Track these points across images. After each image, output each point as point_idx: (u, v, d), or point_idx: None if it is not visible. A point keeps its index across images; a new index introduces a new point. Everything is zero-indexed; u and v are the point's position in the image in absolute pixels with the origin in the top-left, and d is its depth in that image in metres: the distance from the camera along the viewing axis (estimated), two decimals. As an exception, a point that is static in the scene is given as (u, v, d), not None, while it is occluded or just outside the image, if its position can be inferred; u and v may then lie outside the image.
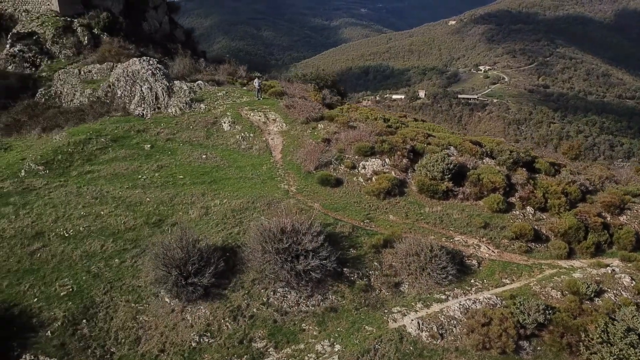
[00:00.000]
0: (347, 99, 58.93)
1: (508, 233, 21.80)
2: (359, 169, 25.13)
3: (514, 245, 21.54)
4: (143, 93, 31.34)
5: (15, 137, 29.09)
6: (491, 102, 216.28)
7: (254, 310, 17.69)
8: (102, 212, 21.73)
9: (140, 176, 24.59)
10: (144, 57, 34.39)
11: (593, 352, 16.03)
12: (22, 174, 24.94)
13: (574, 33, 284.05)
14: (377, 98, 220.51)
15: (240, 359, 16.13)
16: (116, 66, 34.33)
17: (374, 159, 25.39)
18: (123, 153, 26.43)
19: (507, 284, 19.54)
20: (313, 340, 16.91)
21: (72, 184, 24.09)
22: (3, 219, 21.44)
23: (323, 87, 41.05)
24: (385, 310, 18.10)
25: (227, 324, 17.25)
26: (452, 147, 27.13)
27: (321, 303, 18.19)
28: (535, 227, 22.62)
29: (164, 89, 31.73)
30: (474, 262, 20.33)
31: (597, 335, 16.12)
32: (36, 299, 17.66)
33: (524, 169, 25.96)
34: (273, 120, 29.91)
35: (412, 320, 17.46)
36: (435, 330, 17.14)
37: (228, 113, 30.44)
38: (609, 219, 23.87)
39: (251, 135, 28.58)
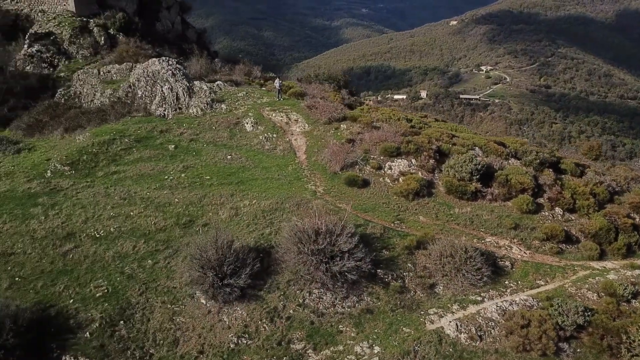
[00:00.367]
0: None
1: (539, 234, 21.70)
2: (385, 169, 25.05)
3: (545, 246, 21.44)
4: (164, 93, 31.29)
5: (38, 138, 29.05)
6: (493, 102, 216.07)
7: (291, 311, 17.63)
8: (131, 213, 21.68)
9: (166, 177, 24.53)
10: (163, 58, 34.34)
11: (635, 355, 15.93)
12: (48, 174, 24.92)
13: (575, 33, 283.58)
14: (379, 98, 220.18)
15: (280, 361, 16.07)
16: (135, 66, 34.29)
17: (400, 160, 25.30)
18: (148, 153, 26.38)
19: (542, 285, 19.44)
20: (351, 341, 16.84)
21: (98, 184, 24.05)
22: (33, 219, 21.43)
23: (340, 87, 40.93)
24: (422, 312, 18.02)
25: (265, 325, 17.19)
26: (477, 148, 27.04)
27: (357, 304, 18.12)
28: (565, 228, 22.51)
29: (184, 89, 31.68)
30: (507, 263, 20.24)
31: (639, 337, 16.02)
32: (72, 300, 17.62)
33: (551, 170, 25.87)
34: (295, 120, 29.85)
35: (450, 321, 17.37)
36: (474, 331, 17.06)
37: (250, 114, 30.38)
38: (638, 219, 23.76)
39: (274, 135, 28.51)
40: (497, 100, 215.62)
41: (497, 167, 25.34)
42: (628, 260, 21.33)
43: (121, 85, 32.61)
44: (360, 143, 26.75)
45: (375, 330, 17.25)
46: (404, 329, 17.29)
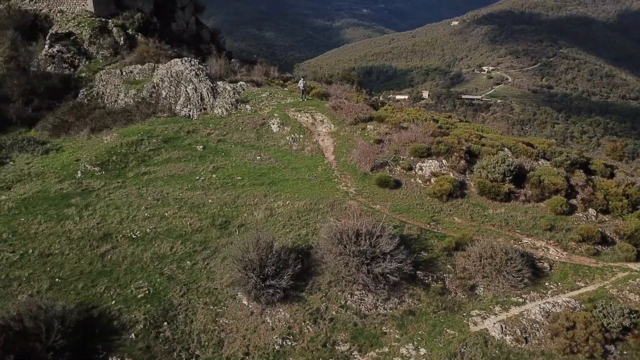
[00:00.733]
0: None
1: (574, 235, 21.60)
2: (416, 170, 24.98)
3: (581, 247, 21.34)
4: (188, 94, 31.24)
5: (64, 138, 29.02)
6: (495, 102, 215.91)
7: (333, 313, 17.56)
8: (166, 214, 21.64)
9: (197, 177, 24.49)
10: (185, 58, 34.30)
11: (684, 357, 15.84)
12: (79, 174, 24.89)
13: (576, 33, 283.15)
14: (381, 98, 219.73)
15: (327, 363, 16.01)
16: (157, 67, 34.26)
17: (430, 160, 25.23)
18: (176, 154, 26.34)
19: (582, 287, 19.34)
20: (396, 343, 16.76)
21: (130, 185, 24.01)
22: (68, 220, 21.41)
23: (361, 88, 40.87)
24: (464, 314, 17.94)
25: (308, 326, 17.12)
26: (506, 149, 26.96)
27: (398, 306, 18.05)
28: (600, 229, 22.41)
29: (208, 90, 31.63)
30: (546, 264, 20.15)
31: (688, 340, 15.93)
32: (114, 301, 17.58)
33: (581, 171, 25.77)
34: (321, 121, 29.78)
35: (494, 323, 17.29)
36: (519, 333, 16.97)
37: (275, 114, 30.32)
38: (671, 221, 23.62)
39: (301, 136, 28.45)
40: (499, 101, 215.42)
41: (528, 168, 25.24)
42: (666, 261, 21.21)
43: (145, 85, 32.57)
44: (389, 143, 26.67)
45: (419, 332, 17.18)
46: (447, 330, 17.21)
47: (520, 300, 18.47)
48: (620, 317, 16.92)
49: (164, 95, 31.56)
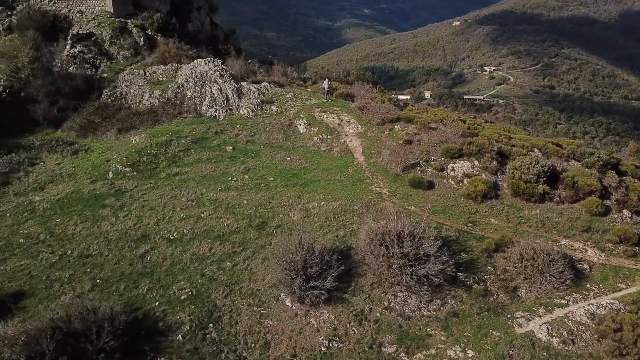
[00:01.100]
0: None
1: (611, 237, 21.49)
2: (448, 171, 24.90)
3: (618, 249, 21.22)
4: (213, 94, 31.21)
5: (92, 138, 29.02)
6: (497, 102, 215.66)
7: (377, 314, 17.51)
8: (202, 215, 21.62)
9: (230, 178, 24.45)
10: (208, 59, 34.26)
11: None
12: (110, 175, 24.88)
13: (578, 34, 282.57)
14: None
15: (375, 365, 15.96)
16: (180, 67, 34.23)
17: (462, 161, 25.15)
18: (207, 155, 26.31)
19: (624, 288, 19.24)
20: (443, 345, 16.70)
21: (162, 185, 24.00)
22: (104, 221, 21.42)
23: (384, 89, 40.78)
24: (508, 315, 17.85)
25: (354, 328, 17.07)
26: (536, 149, 26.87)
27: (442, 308, 17.98)
28: (636, 230, 22.30)
29: (233, 91, 31.60)
30: (585, 266, 20.05)
31: None
32: (157, 303, 17.56)
33: (613, 172, 25.67)
34: (347, 121, 29.72)
35: (540, 325, 17.21)
36: (566, 335, 16.89)
37: (301, 115, 30.27)
38: None
39: (329, 137, 28.40)
40: (501, 101, 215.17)
41: (560, 169, 25.15)
42: None
43: (169, 86, 32.55)
44: (419, 144, 26.60)
45: (465, 334, 17.10)
46: (493, 332, 17.13)
47: (563, 302, 18.37)
48: (668, 319, 16.81)
49: (189, 96, 31.52)
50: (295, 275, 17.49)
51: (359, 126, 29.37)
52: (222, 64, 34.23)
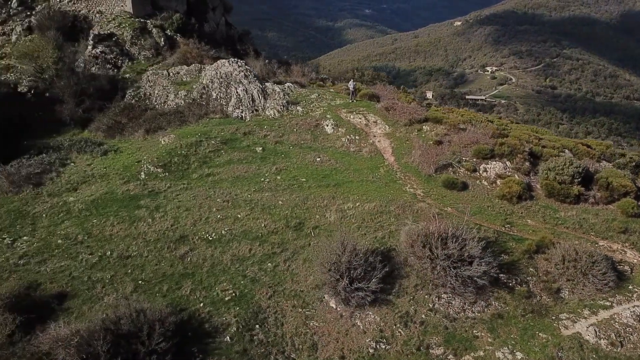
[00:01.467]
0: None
1: (649, 238, 21.41)
2: (480, 172, 24.84)
3: (657, 250, 21.14)
4: (239, 95, 31.18)
5: (119, 139, 29.00)
6: (499, 103, 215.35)
7: (423, 316, 17.46)
8: (238, 216, 21.58)
9: (262, 179, 24.42)
10: (231, 59, 34.25)
11: None
12: (142, 176, 24.86)
13: (580, 34, 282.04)
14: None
15: (424, 366, 15.91)
16: (203, 68, 34.21)
17: (494, 162, 25.09)
18: (237, 155, 26.29)
19: (666, 290, 19.17)
20: (490, 347, 16.63)
21: (195, 186, 23.97)
22: (140, 222, 21.40)
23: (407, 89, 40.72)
24: (553, 317, 17.78)
25: (400, 330, 17.02)
26: (566, 150, 26.81)
27: (486, 309, 17.93)
28: (672, 232, 22.20)
29: (258, 91, 31.57)
30: (626, 267, 19.97)
31: None
32: (202, 304, 17.53)
33: (645, 173, 25.67)
34: (374, 122, 29.67)
35: (587, 327, 17.15)
36: (614, 337, 16.81)
37: (328, 115, 30.23)
38: None
39: (357, 137, 28.35)
40: (503, 101, 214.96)
41: (592, 170, 25.07)
42: None
43: (194, 86, 32.53)
44: (449, 145, 26.55)
45: (511, 336, 17.04)
46: (539, 334, 17.07)
47: (608, 303, 18.30)
48: None
49: (214, 97, 31.50)
50: (340, 276, 17.45)
51: (387, 127, 29.32)
52: (245, 64, 34.19)
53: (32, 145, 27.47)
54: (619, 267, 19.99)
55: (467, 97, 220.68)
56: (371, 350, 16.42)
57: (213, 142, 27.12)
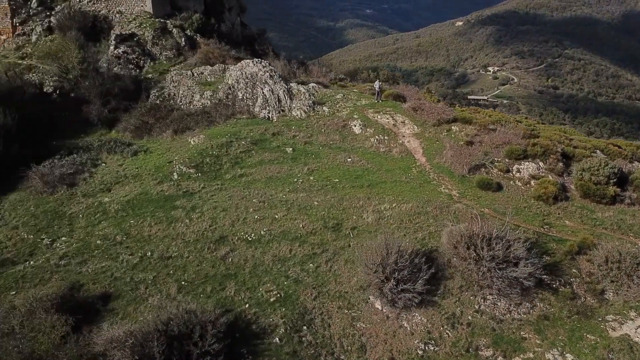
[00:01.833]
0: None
1: (688, 239, 21.30)
2: (514, 172, 24.76)
3: (696, 252, 21.01)
4: (265, 95, 31.14)
5: (147, 139, 28.97)
6: (501, 103, 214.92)
7: (469, 317, 17.40)
8: (276, 216, 21.54)
9: (295, 179, 24.37)
10: (256, 59, 34.22)
11: None
12: (175, 176, 24.83)
13: (581, 34, 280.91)
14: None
15: (476, 368, 15.85)
16: (227, 68, 34.18)
17: (527, 163, 25.01)
18: (268, 156, 26.24)
19: None
20: (539, 349, 16.57)
21: (229, 187, 23.93)
22: (178, 222, 21.38)
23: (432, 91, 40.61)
24: (599, 319, 17.71)
25: (447, 331, 16.97)
26: (598, 151, 26.72)
27: (531, 311, 17.86)
28: None
29: (284, 92, 31.53)
30: (668, 269, 19.85)
31: None
32: (247, 305, 17.50)
33: (679, 174, 25.50)
34: (402, 122, 29.60)
35: (635, 329, 17.07)
36: (663, 339, 16.73)
37: (355, 116, 30.17)
38: None
39: (386, 138, 28.29)
40: (505, 101, 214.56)
41: (626, 170, 24.98)
42: None
43: (219, 86, 32.50)
44: (480, 145, 26.48)
45: (559, 337, 16.97)
46: (587, 336, 17.00)
47: (653, 305, 18.22)
48: None
49: (240, 97, 31.47)
50: (386, 278, 17.40)
51: (415, 127, 29.25)
52: (270, 64, 34.16)
53: (61, 146, 27.46)
54: (660, 268, 19.86)
55: (469, 97, 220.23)
56: (420, 352, 16.37)
57: (243, 142, 27.08)
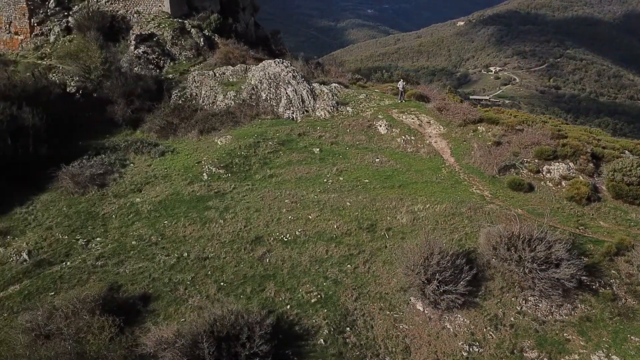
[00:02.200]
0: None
1: None
2: (544, 173, 24.67)
3: None
4: (289, 96, 31.08)
5: (173, 140, 28.94)
6: (503, 103, 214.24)
7: (512, 319, 17.35)
8: (309, 217, 21.50)
9: (325, 180, 24.32)
10: (278, 60, 34.17)
11: None
12: (205, 177, 24.81)
13: (583, 34, 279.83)
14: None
15: (525, 370, 15.79)
16: (250, 68, 34.13)
17: (557, 163, 24.91)
18: (296, 157, 26.18)
19: None
20: (584, 350, 16.51)
21: (260, 187, 23.88)
22: (212, 223, 21.37)
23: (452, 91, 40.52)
24: (641, 320, 17.63)
25: (490, 333, 16.92)
26: (627, 151, 26.61)
27: (573, 312, 17.79)
28: None
29: (308, 92, 31.47)
30: None
31: None
32: (289, 306, 17.49)
33: None
34: (427, 122, 29.52)
35: (680, 331, 16.97)
36: None
37: (380, 116, 30.09)
38: None
39: (412, 138, 28.21)
40: (507, 101, 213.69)
41: (657, 171, 24.83)
42: None
43: (242, 87, 32.45)
44: (509, 145, 26.38)
45: (603, 339, 16.90)
46: (631, 337, 16.93)
47: (694, 306, 18.12)
48: None
49: (263, 97, 31.42)
50: (427, 279, 17.34)
51: (441, 127, 29.16)
52: (291, 65, 34.10)
53: (87, 146, 27.45)
54: (699, 269, 19.77)
55: (471, 97, 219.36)
56: (465, 354, 16.33)
57: (270, 143, 27.03)
